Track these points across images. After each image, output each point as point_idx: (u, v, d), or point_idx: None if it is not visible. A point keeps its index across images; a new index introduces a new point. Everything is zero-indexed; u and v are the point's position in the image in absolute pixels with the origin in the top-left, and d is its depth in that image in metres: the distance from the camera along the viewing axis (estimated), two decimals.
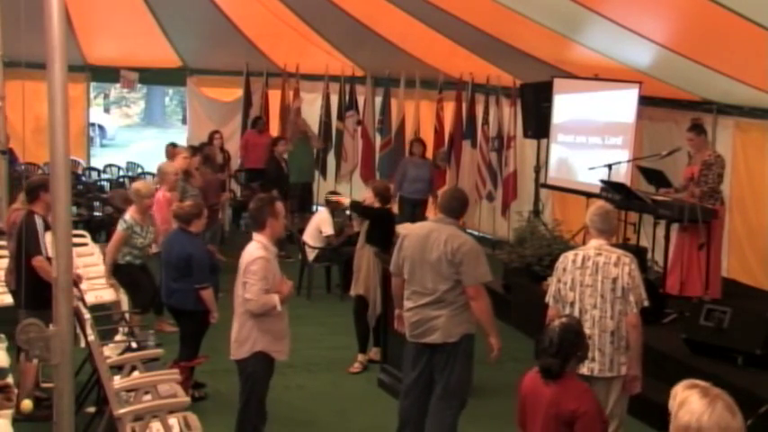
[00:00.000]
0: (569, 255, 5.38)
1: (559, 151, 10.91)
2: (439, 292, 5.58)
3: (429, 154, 13.24)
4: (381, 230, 7.63)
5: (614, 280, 5.17)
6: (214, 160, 10.49)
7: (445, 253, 5.52)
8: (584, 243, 9.51)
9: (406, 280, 5.77)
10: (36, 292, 5.55)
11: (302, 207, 12.67)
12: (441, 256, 5.53)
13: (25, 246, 5.91)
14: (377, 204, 7.80)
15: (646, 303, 5.26)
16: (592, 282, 5.21)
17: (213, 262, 7.30)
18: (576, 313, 5.21)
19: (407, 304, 5.77)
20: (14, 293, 6.73)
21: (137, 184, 8.24)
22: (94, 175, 15.21)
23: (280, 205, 5.80)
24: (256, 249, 5.59)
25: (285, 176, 12.13)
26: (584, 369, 5.14)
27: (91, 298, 7.77)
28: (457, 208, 5.79)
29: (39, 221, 6.29)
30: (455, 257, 5.50)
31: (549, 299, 5.41)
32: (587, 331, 5.10)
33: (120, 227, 7.75)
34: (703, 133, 8.36)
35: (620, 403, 5.29)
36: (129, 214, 7.81)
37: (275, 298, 5.55)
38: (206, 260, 6.88)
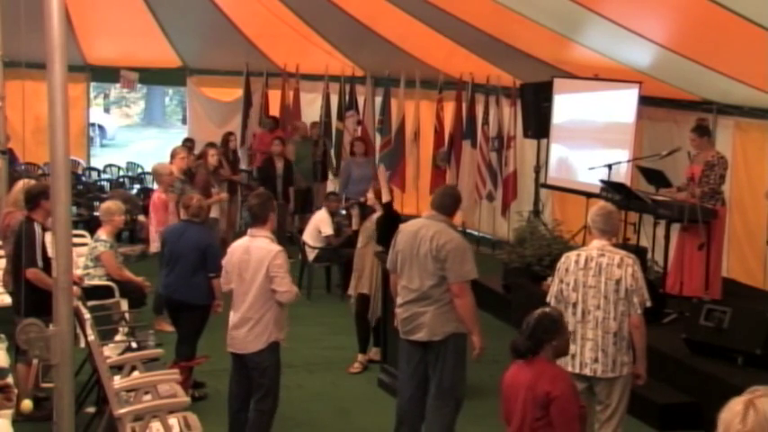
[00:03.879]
0: (572, 255, 5.35)
1: (559, 151, 10.91)
2: (425, 288, 5.59)
3: (429, 154, 13.29)
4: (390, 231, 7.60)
5: (618, 281, 5.16)
6: (206, 160, 10.49)
7: (431, 249, 5.53)
8: (584, 243, 9.53)
9: (398, 276, 5.82)
10: (34, 300, 5.53)
11: (303, 209, 12.65)
12: (427, 253, 5.56)
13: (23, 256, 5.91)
14: (378, 206, 7.78)
15: (648, 304, 5.26)
16: (595, 283, 5.20)
17: None
18: (579, 314, 5.21)
19: (398, 300, 5.82)
20: (12, 294, 6.73)
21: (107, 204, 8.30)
22: (94, 175, 15.22)
23: (275, 202, 6.10)
24: (270, 244, 5.74)
25: (282, 176, 12.07)
26: (587, 370, 5.17)
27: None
28: (449, 205, 5.78)
29: (38, 229, 6.29)
30: (440, 254, 5.51)
31: (550, 299, 5.39)
32: (590, 332, 5.14)
33: (104, 247, 7.80)
34: (706, 135, 8.34)
35: (622, 403, 5.29)
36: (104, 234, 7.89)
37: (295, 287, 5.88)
38: (219, 249, 6.94)
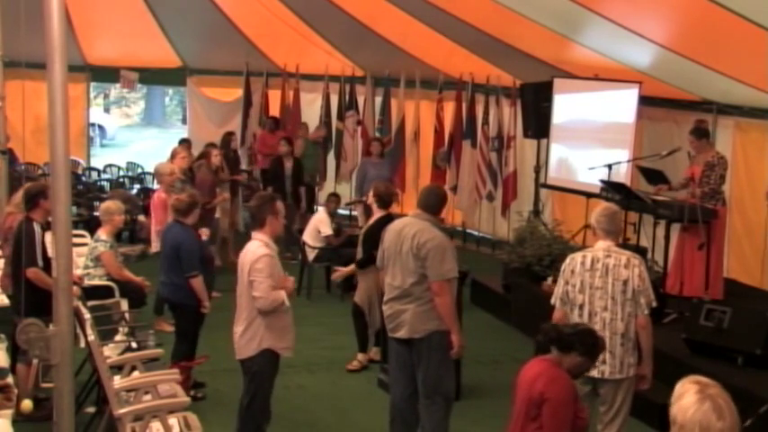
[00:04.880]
0: (577, 257, 5.32)
1: (559, 151, 10.92)
2: (406, 285, 5.61)
3: (429, 154, 13.29)
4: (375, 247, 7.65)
5: (625, 282, 5.14)
6: (209, 160, 10.51)
7: (412, 247, 5.56)
8: (584, 243, 9.54)
9: (384, 272, 5.85)
10: (34, 300, 5.53)
11: (307, 207, 12.63)
12: (408, 250, 5.58)
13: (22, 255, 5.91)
14: (374, 207, 7.78)
15: (654, 304, 5.26)
16: (602, 284, 5.18)
17: (207, 254, 7.26)
18: (586, 315, 5.20)
19: (384, 298, 5.85)
20: (11, 298, 6.73)
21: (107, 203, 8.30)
22: (94, 175, 15.23)
23: (280, 204, 5.85)
24: (259, 248, 5.60)
25: (291, 176, 12.04)
26: (595, 372, 5.12)
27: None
28: (434, 204, 5.79)
29: (37, 229, 6.29)
30: (420, 252, 5.53)
31: (555, 301, 5.36)
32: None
33: (104, 247, 7.81)
34: (704, 137, 8.32)
35: (626, 404, 5.28)
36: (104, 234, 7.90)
37: (282, 294, 5.62)
38: (196, 250, 6.90)
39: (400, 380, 5.84)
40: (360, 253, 7.72)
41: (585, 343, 4.30)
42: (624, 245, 7.81)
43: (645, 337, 5.19)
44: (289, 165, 11.99)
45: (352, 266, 7.94)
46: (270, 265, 5.55)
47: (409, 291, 5.61)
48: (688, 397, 2.63)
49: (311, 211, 12.13)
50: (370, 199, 7.86)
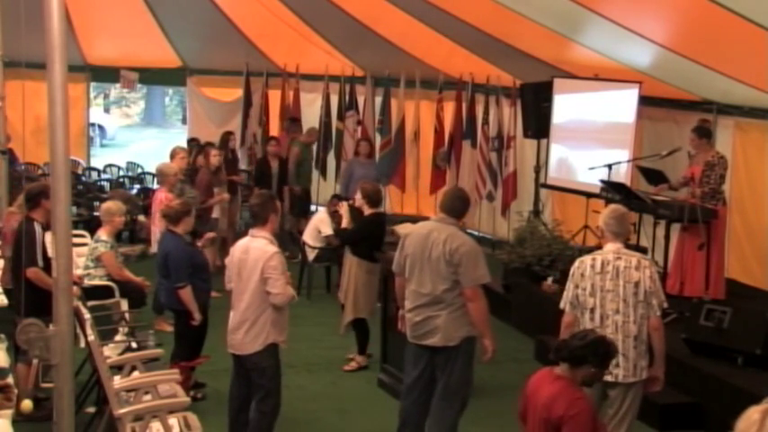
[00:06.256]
0: (586, 260, 5.30)
1: (559, 151, 10.91)
2: (438, 292, 5.56)
3: (429, 154, 13.29)
4: (369, 240, 7.68)
5: (636, 284, 5.12)
6: (208, 160, 10.51)
7: (444, 253, 5.50)
8: (584, 243, 9.54)
9: (406, 279, 5.77)
10: (34, 300, 5.53)
11: (302, 210, 12.63)
12: (439, 256, 5.52)
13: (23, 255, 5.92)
14: (365, 207, 7.79)
15: (665, 305, 5.26)
16: (613, 287, 5.16)
17: (200, 261, 7.22)
18: (597, 319, 5.17)
19: (407, 304, 5.77)
20: (10, 296, 6.73)
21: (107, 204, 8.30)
22: (94, 175, 15.23)
23: (278, 202, 6.01)
24: (267, 245, 5.69)
25: (277, 176, 12.02)
26: (609, 376, 5.06)
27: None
28: (459, 208, 5.76)
29: (38, 229, 6.29)
30: (453, 258, 5.48)
31: (565, 305, 5.32)
32: (610, 337, 5.08)
33: (104, 248, 7.82)
34: (705, 137, 8.32)
35: (634, 406, 5.26)
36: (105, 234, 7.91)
37: (292, 289, 5.81)
38: (184, 260, 6.81)
39: (416, 386, 5.80)
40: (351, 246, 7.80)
41: (598, 353, 4.29)
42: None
43: (657, 339, 5.17)
44: (275, 165, 11.98)
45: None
46: (282, 262, 5.70)
47: (441, 297, 5.56)
48: (756, 407, 2.61)
49: (302, 214, 12.11)
50: (359, 201, 7.87)
